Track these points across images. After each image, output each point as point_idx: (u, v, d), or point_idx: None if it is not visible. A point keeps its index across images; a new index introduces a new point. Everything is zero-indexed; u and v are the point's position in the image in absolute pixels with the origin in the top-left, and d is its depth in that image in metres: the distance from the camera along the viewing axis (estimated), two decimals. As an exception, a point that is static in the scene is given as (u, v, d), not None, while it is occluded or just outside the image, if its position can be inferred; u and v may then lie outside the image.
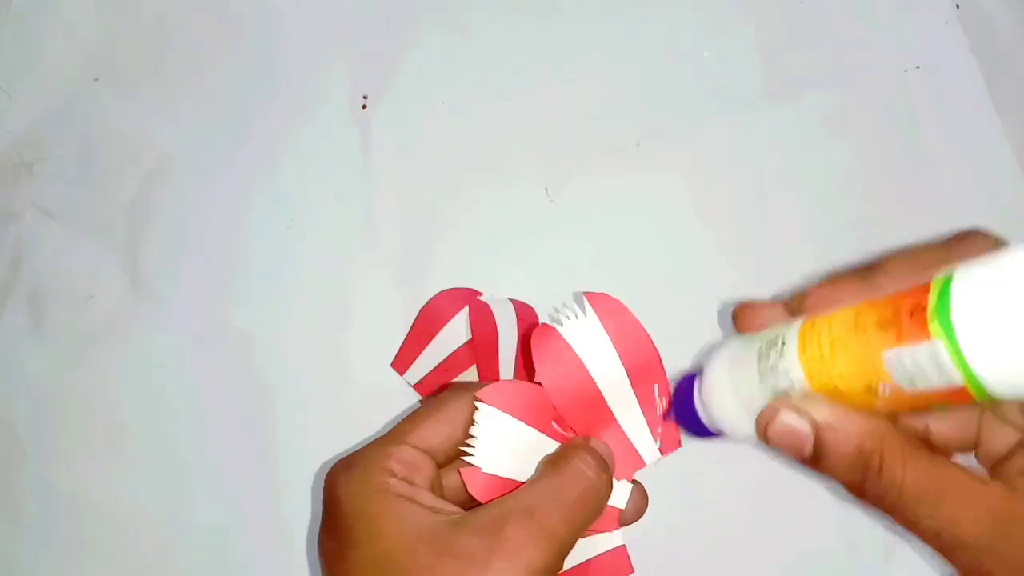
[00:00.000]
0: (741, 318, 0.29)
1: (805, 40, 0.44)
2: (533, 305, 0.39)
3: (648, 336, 0.31)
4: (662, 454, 0.31)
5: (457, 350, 0.39)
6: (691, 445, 0.36)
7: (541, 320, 0.38)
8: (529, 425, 0.30)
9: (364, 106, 0.44)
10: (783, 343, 0.25)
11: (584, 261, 0.41)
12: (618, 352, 0.31)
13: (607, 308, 0.31)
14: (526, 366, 0.36)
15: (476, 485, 0.29)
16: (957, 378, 0.20)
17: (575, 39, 0.44)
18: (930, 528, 0.24)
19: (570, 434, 0.30)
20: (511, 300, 0.39)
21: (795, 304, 0.27)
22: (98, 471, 0.39)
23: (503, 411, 0.30)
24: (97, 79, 0.45)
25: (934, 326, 0.20)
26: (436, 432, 0.29)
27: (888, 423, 0.25)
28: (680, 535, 0.37)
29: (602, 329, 0.31)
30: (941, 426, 0.27)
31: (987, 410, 0.26)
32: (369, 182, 0.42)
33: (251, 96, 0.44)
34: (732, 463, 0.37)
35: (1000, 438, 0.26)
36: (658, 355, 0.31)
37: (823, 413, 0.25)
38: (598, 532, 0.31)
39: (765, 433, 0.26)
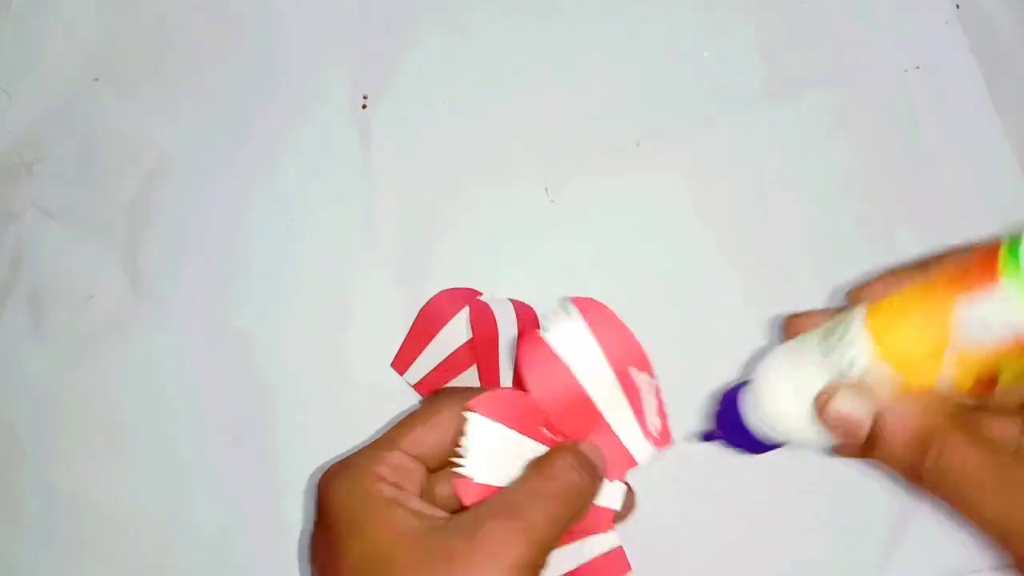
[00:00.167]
0: (792, 326, 0.29)
1: (805, 40, 0.44)
2: (533, 305, 0.39)
3: (634, 337, 0.31)
4: (655, 452, 0.31)
5: (457, 350, 0.39)
6: (689, 449, 0.37)
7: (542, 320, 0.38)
8: (520, 433, 0.30)
9: (364, 106, 0.44)
10: (849, 322, 0.25)
11: (584, 261, 0.41)
12: (605, 354, 0.31)
13: (593, 312, 0.31)
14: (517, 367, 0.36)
15: (470, 495, 0.30)
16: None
17: (575, 39, 0.44)
18: (991, 517, 0.24)
19: (560, 439, 0.31)
20: (511, 300, 0.39)
21: (852, 297, 0.27)
22: (98, 471, 0.39)
23: (494, 420, 0.30)
24: (97, 79, 0.45)
25: (1005, 270, 0.21)
26: (427, 438, 0.30)
27: (950, 404, 0.25)
28: (679, 540, 0.37)
29: (589, 333, 0.31)
30: (1005, 424, 0.27)
31: None
32: (369, 182, 0.42)
33: (251, 96, 0.44)
34: (731, 468, 0.37)
35: None
36: (644, 354, 0.31)
37: (884, 394, 0.25)
38: (593, 534, 0.31)
39: (822, 414, 0.26)
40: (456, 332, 0.39)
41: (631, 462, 0.31)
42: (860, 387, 0.25)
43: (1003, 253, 0.21)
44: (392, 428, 0.30)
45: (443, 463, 0.30)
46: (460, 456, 0.30)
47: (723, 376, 0.34)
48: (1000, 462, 0.24)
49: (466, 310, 0.39)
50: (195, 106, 0.44)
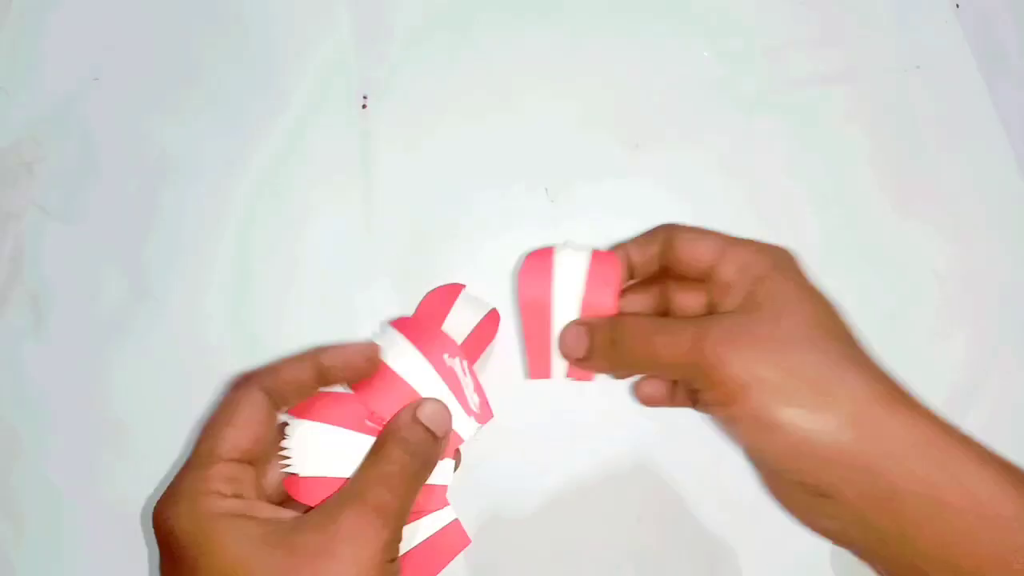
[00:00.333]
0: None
1: (805, 40, 0.44)
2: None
3: (441, 331, 0.36)
4: (478, 426, 0.34)
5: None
6: (688, 439, 0.37)
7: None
8: (342, 427, 0.33)
9: (364, 106, 0.44)
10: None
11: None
12: (420, 350, 0.35)
13: (406, 327, 0.36)
14: None
15: (301, 491, 0.32)
16: None
17: (576, 39, 0.44)
18: (665, 357, 0.30)
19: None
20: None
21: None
22: (98, 471, 0.39)
23: (313, 420, 0.33)
24: (97, 79, 0.45)
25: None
26: (242, 437, 0.30)
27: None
28: (671, 529, 0.37)
29: (404, 338, 0.35)
30: (688, 248, 0.34)
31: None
32: (369, 182, 0.42)
33: (251, 96, 0.44)
34: (722, 458, 0.37)
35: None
36: (454, 342, 0.35)
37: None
38: (428, 512, 0.33)
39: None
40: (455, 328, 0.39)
41: (457, 439, 0.34)
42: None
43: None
44: (202, 440, 0.30)
45: (262, 454, 0.31)
46: (285, 458, 0.32)
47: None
48: (659, 318, 0.33)
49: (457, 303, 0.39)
50: (195, 106, 0.44)
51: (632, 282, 0.36)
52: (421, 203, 0.42)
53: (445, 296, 0.39)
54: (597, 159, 0.42)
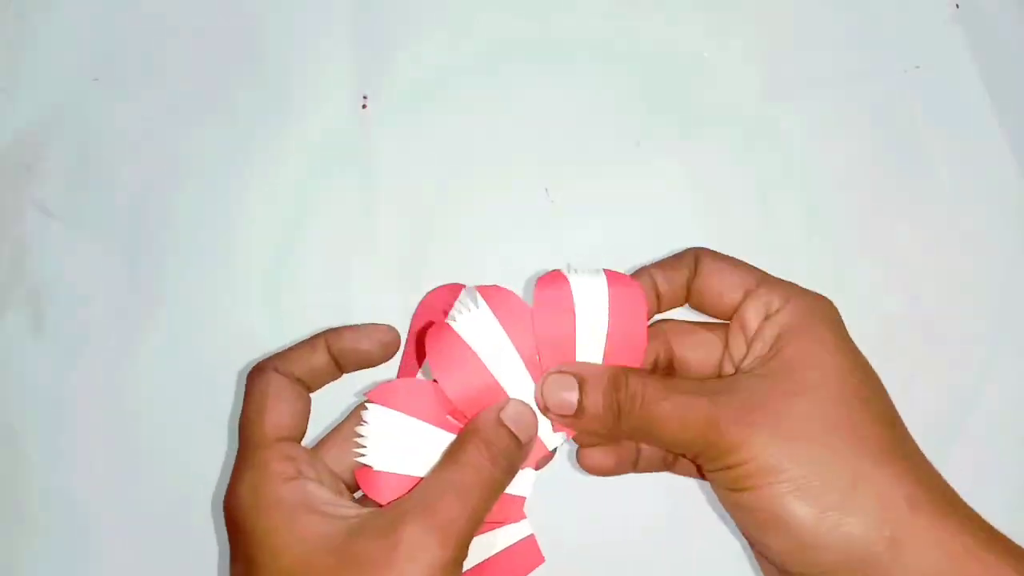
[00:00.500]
0: None
1: (805, 40, 0.44)
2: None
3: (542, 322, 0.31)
4: (565, 437, 0.31)
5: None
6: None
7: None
8: (422, 421, 0.30)
9: (364, 106, 0.44)
10: None
11: (584, 261, 0.41)
12: (513, 342, 0.30)
13: (499, 299, 0.31)
14: (418, 355, 0.35)
15: (372, 485, 0.29)
16: None
17: (575, 39, 0.44)
18: (672, 425, 0.27)
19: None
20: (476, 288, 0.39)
21: None
22: (98, 471, 0.39)
23: (392, 408, 0.30)
24: (97, 79, 0.45)
25: None
26: (281, 416, 0.29)
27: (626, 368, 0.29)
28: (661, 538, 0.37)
29: (495, 320, 0.30)
30: (689, 355, 0.31)
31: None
32: (369, 182, 0.42)
33: (251, 96, 0.44)
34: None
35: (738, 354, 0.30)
36: (563, 338, 0.31)
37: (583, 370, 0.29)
38: (504, 523, 0.31)
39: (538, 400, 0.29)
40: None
41: (542, 449, 0.31)
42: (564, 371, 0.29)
43: None
44: (243, 431, 0.29)
45: (304, 432, 0.30)
46: (359, 447, 0.30)
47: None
48: (667, 379, 0.28)
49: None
50: (195, 106, 0.44)
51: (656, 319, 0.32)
52: (421, 203, 0.42)
53: (445, 296, 0.39)
54: (597, 159, 0.42)
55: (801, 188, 0.42)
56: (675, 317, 0.33)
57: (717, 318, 0.31)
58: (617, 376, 0.28)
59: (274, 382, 0.30)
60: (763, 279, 0.29)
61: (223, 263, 0.42)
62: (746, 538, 0.29)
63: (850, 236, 0.41)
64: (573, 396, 0.29)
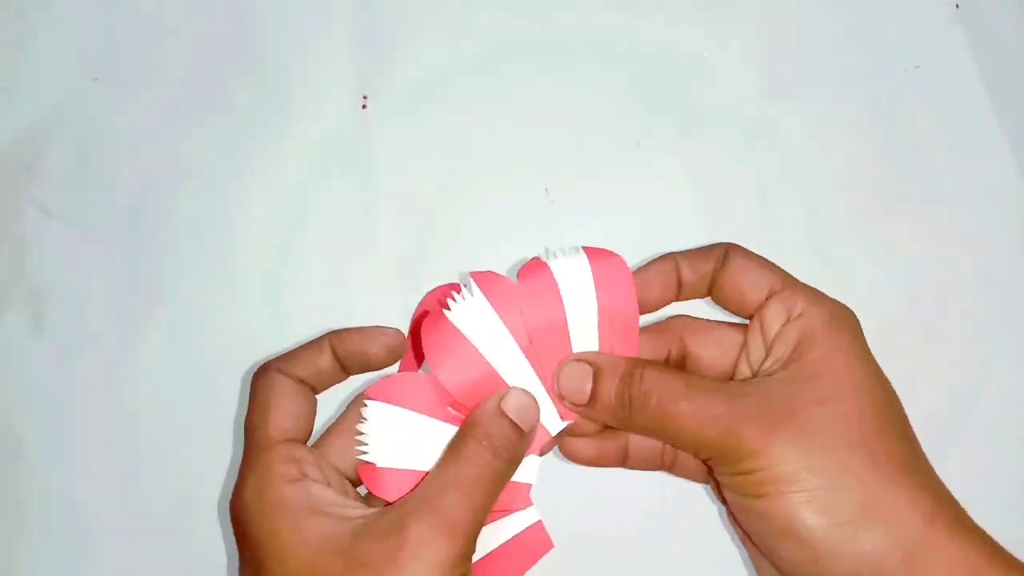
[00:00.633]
0: None
1: (805, 40, 0.44)
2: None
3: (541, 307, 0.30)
4: (566, 422, 0.31)
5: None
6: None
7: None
8: (423, 414, 0.30)
9: (364, 106, 0.44)
10: None
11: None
12: (508, 328, 0.30)
13: (494, 286, 0.30)
14: (416, 354, 0.35)
15: (376, 482, 0.29)
16: None
17: (575, 39, 0.44)
18: (686, 423, 0.27)
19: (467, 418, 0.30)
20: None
21: None
22: (98, 471, 0.39)
23: (392, 404, 0.30)
24: (97, 79, 0.45)
25: None
26: (285, 418, 0.29)
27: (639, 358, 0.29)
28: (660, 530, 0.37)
29: (490, 307, 0.30)
30: (702, 352, 0.31)
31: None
32: (369, 182, 0.42)
33: (251, 96, 0.44)
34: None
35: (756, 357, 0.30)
36: (554, 325, 0.30)
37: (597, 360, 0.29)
38: (511, 511, 0.30)
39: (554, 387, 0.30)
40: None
41: (544, 435, 0.31)
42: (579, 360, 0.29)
43: None
44: (248, 432, 0.29)
45: (309, 433, 0.30)
46: (361, 444, 0.29)
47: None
48: (685, 376, 0.28)
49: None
50: (195, 106, 0.44)
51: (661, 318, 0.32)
52: (421, 203, 0.42)
53: (445, 296, 0.39)
54: (598, 159, 0.42)
55: (801, 188, 0.42)
56: (694, 315, 0.33)
57: (737, 315, 0.31)
58: (633, 368, 0.28)
59: (279, 383, 0.30)
60: (788, 282, 0.29)
61: (223, 263, 0.42)
62: (752, 542, 0.29)
63: (850, 236, 0.41)
64: (588, 385, 0.29)
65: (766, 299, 0.29)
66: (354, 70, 0.44)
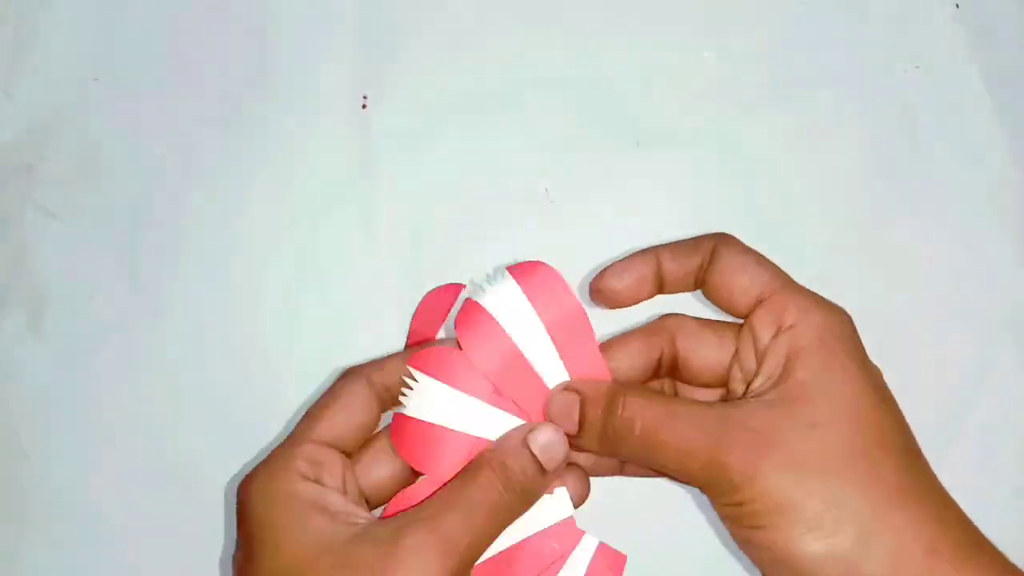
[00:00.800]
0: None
1: (805, 40, 0.44)
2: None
3: (574, 299, 0.30)
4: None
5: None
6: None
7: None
8: (462, 391, 0.30)
9: (364, 106, 0.44)
10: None
11: (584, 261, 0.41)
12: (541, 319, 0.30)
13: (531, 276, 0.30)
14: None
15: (401, 432, 0.29)
16: None
17: (574, 39, 0.44)
18: (672, 447, 0.26)
19: (507, 401, 0.30)
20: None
21: None
22: (98, 471, 0.39)
23: (436, 379, 0.30)
24: (97, 79, 0.45)
25: None
26: (336, 422, 0.29)
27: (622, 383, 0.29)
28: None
29: (524, 297, 0.30)
30: (694, 355, 0.30)
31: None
32: (369, 182, 0.42)
33: (251, 96, 0.44)
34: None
35: (740, 370, 0.29)
36: (585, 316, 0.30)
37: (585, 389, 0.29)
38: (567, 554, 0.30)
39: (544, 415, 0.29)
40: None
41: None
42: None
43: None
44: (299, 423, 0.29)
45: (358, 444, 0.30)
46: (401, 404, 0.30)
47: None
48: (668, 402, 0.27)
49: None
50: (195, 106, 0.44)
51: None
52: (421, 203, 0.42)
53: (445, 296, 0.39)
54: (598, 159, 0.42)
55: (801, 188, 0.42)
56: (689, 310, 0.32)
57: (729, 315, 0.30)
58: (615, 395, 0.28)
59: (350, 389, 0.30)
60: (780, 285, 0.29)
61: (223, 263, 0.42)
62: (751, 559, 0.28)
63: (850, 236, 0.41)
64: (576, 414, 0.28)
65: (757, 304, 0.29)
66: (354, 70, 0.44)
